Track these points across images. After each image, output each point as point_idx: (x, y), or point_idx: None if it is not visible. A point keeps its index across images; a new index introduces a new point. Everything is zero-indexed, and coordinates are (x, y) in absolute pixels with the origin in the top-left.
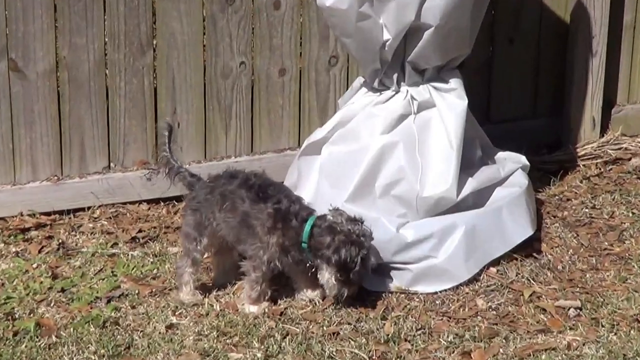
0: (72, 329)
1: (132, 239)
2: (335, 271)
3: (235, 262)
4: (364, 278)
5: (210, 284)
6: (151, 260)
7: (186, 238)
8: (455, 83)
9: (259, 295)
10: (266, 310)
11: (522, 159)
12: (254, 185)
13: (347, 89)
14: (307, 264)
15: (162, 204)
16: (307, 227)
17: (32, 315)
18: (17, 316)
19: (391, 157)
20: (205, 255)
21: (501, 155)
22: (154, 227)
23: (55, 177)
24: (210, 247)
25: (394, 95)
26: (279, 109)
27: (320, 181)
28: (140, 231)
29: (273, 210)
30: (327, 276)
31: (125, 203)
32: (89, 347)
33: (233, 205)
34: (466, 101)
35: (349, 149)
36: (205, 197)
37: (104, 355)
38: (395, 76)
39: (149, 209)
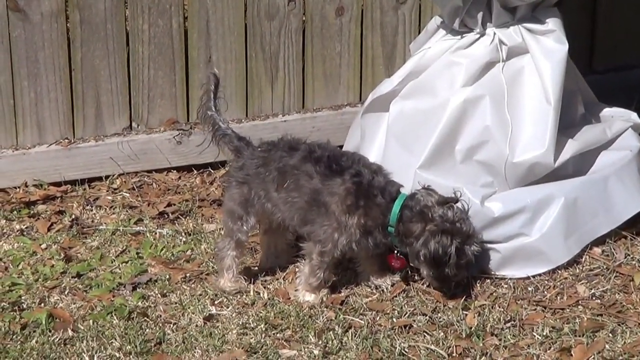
0: (91, 321)
1: (160, 214)
2: (427, 268)
3: (289, 243)
4: (470, 267)
5: (256, 268)
6: (183, 239)
7: (229, 216)
8: (554, 24)
9: (319, 282)
10: (324, 299)
11: (634, 117)
12: (322, 157)
13: (419, 32)
14: (395, 252)
15: (195, 172)
16: (396, 207)
17: (42, 305)
18: (25, 306)
19: (474, 115)
20: (251, 235)
21: (608, 112)
22: (186, 200)
23: (66, 140)
24: (258, 226)
25: (478, 39)
26: (336, 57)
27: (388, 144)
28: (169, 205)
29: (353, 184)
30: (423, 272)
31: (150, 171)
32: (112, 342)
33: (297, 183)
34: (567, 46)
35: (423, 105)
36: (257, 169)
37: (130, 352)
38: (479, 15)
39: (180, 178)
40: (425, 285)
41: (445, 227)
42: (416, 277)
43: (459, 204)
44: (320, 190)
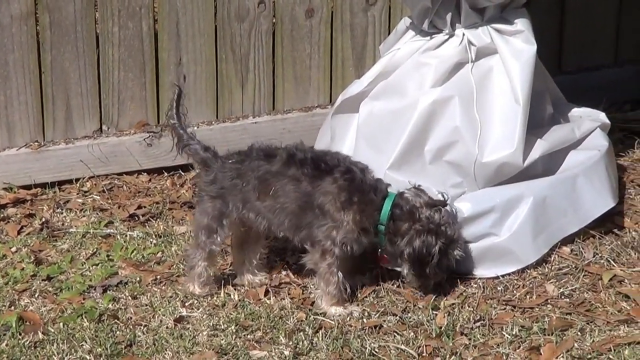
0: (61, 324)
1: (131, 217)
2: (409, 267)
3: (262, 258)
4: (449, 270)
5: (226, 270)
6: (154, 241)
7: (203, 230)
8: (522, 24)
9: (339, 290)
10: (355, 314)
11: (602, 117)
12: (305, 159)
13: (389, 33)
14: (379, 250)
15: (165, 174)
16: (387, 205)
17: (13, 307)
18: None
19: (444, 116)
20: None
21: (576, 112)
22: (157, 203)
23: (36, 143)
24: (232, 236)
25: (447, 40)
26: (306, 59)
27: (358, 145)
28: (139, 207)
29: (345, 181)
30: (404, 271)
31: (121, 174)
32: (82, 345)
33: (284, 189)
34: (535, 46)
35: (392, 106)
36: (232, 182)
37: (100, 355)
38: (448, 16)
39: (150, 180)
40: (395, 286)
41: (431, 227)
42: (386, 278)
43: (447, 207)
44: (312, 192)
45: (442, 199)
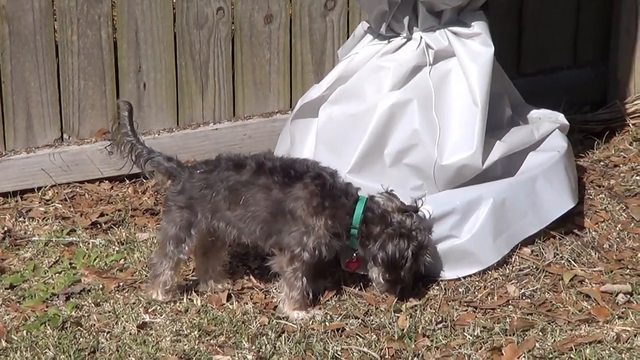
0: (25, 332)
1: (93, 225)
2: (383, 271)
3: (224, 265)
4: (418, 275)
5: (189, 274)
6: (116, 248)
7: (170, 240)
8: (479, 27)
9: (303, 295)
10: (317, 318)
11: (561, 118)
12: (274, 167)
13: (347, 38)
14: (354, 254)
15: (127, 182)
16: (359, 209)
17: None
18: None
19: (403, 119)
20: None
21: (535, 113)
22: (119, 210)
23: None
24: (197, 245)
25: (405, 43)
26: (265, 64)
27: (317, 149)
28: (102, 215)
29: (316, 186)
30: (374, 274)
31: (83, 182)
32: (45, 352)
33: (255, 198)
34: (492, 48)
35: (351, 110)
36: (201, 192)
37: None
38: (406, 20)
39: (112, 188)
40: (357, 289)
41: (403, 232)
42: (348, 281)
43: (419, 213)
44: (283, 199)
45: (414, 205)
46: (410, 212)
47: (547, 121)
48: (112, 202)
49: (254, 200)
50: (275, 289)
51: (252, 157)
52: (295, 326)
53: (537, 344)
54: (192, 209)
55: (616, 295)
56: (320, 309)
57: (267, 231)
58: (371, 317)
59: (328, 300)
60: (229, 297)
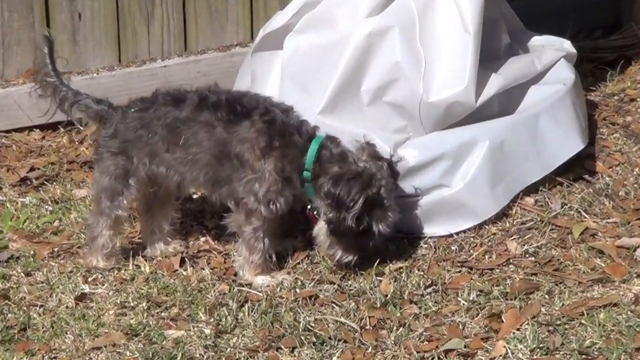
0: None
1: (22, 181)
2: (327, 208)
3: (174, 223)
4: (364, 249)
5: (135, 237)
6: (50, 208)
7: (105, 193)
8: None
9: (265, 259)
10: (285, 283)
11: (567, 45)
12: (219, 102)
13: None
14: (307, 207)
15: (61, 130)
16: (314, 146)
17: None
18: None
19: (382, 50)
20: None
21: (537, 40)
22: (52, 163)
23: None
24: (138, 200)
25: None
26: None
27: (283, 86)
28: (32, 169)
29: (264, 123)
30: (320, 224)
31: (9, 131)
32: None
33: (196, 137)
34: None
35: (322, 40)
36: (137, 133)
37: None
38: None
39: (44, 137)
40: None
41: (360, 172)
42: None
43: (390, 166)
44: (227, 140)
45: (387, 157)
46: (383, 161)
47: (551, 49)
48: (44, 154)
49: (196, 140)
50: (236, 251)
51: (194, 90)
52: (260, 294)
53: (542, 309)
54: (128, 154)
55: (634, 251)
56: (288, 273)
57: (212, 178)
58: (349, 282)
59: (298, 263)
60: (182, 263)
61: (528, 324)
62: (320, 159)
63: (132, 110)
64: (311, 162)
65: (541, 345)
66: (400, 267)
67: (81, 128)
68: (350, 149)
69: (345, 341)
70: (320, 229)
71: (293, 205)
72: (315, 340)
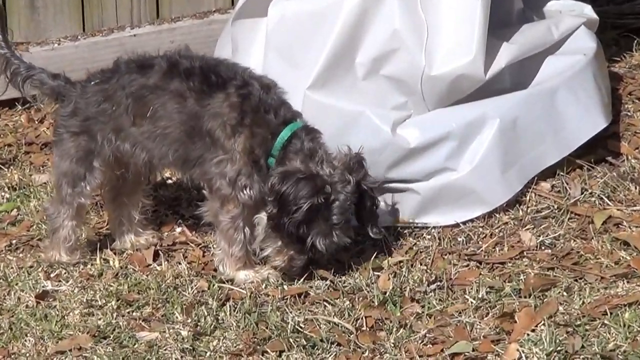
0: None
1: None
2: (270, 202)
3: (145, 211)
4: (314, 256)
5: (102, 228)
6: (7, 195)
7: (65, 179)
8: None
9: (246, 251)
10: (272, 279)
11: (587, 11)
12: (192, 69)
13: None
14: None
15: (19, 107)
16: (286, 132)
17: None
18: None
19: (378, 16)
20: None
21: (554, 5)
22: (9, 145)
23: None
24: (104, 185)
25: None
26: None
27: (268, 58)
28: None
29: (239, 97)
30: (262, 213)
31: None
32: None
33: (165, 108)
34: None
35: (310, 6)
36: (99, 107)
37: None
38: None
39: None
40: None
41: (322, 178)
42: None
43: (364, 183)
44: (199, 113)
45: (368, 176)
46: (353, 176)
47: (570, 15)
48: None
49: (165, 112)
50: (215, 243)
51: (162, 55)
52: (244, 292)
53: (560, 308)
54: (90, 132)
55: None
56: (275, 268)
57: (183, 156)
58: (343, 278)
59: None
60: (155, 256)
61: (544, 324)
62: (287, 147)
63: (92, 83)
64: (278, 148)
65: (559, 348)
66: (401, 261)
67: (41, 106)
68: (329, 150)
69: (338, 344)
70: (261, 219)
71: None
72: (305, 343)
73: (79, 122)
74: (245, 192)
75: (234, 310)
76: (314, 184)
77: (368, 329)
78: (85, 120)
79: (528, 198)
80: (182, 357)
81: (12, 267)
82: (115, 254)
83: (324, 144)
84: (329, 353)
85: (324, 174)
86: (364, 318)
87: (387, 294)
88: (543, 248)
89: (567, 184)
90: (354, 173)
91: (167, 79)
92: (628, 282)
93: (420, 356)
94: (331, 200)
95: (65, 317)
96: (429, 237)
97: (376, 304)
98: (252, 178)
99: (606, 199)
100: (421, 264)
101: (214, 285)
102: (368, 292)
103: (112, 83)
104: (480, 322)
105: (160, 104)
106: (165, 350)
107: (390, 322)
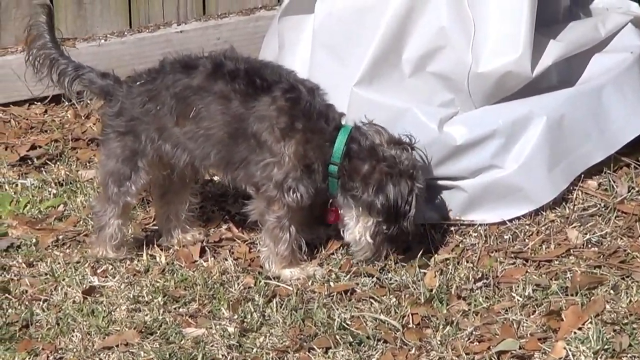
0: None
1: (22, 160)
2: (379, 223)
3: (192, 209)
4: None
5: (149, 224)
6: (54, 191)
7: (112, 178)
8: None
9: (292, 249)
10: (318, 276)
11: (634, 8)
12: (236, 71)
13: None
14: (329, 202)
15: (66, 103)
16: (342, 138)
17: None
18: None
19: (425, 13)
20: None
21: (601, 2)
22: (55, 141)
23: None
24: (151, 185)
25: None
26: None
27: (314, 55)
28: (33, 147)
29: (287, 101)
30: (359, 229)
31: (7, 104)
32: None
33: (208, 109)
34: None
35: (358, 3)
36: (144, 107)
37: None
38: None
39: (46, 112)
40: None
41: (402, 169)
42: None
43: (413, 153)
44: (244, 115)
45: (404, 139)
46: (404, 145)
47: (617, 12)
48: (46, 131)
49: (208, 113)
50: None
51: (207, 56)
52: (290, 288)
53: (607, 306)
54: (135, 132)
55: None
56: (321, 265)
57: (226, 157)
58: (389, 275)
59: (332, 254)
60: (202, 252)
61: (591, 322)
62: (349, 152)
63: (138, 83)
64: (339, 155)
65: (606, 346)
66: (447, 259)
67: (88, 102)
68: (376, 138)
69: (385, 341)
70: (361, 238)
71: (314, 198)
72: (351, 340)
73: (124, 122)
74: (291, 194)
75: (281, 307)
76: (406, 176)
77: (414, 326)
78: (131, 120)
79: (575, 196)
80: (228, 353)
81: (59, 263)
82: (161, 250)
83: (370, 134)
84: (375, 350)
85: (399, 162)
86: (410, 315)
87: (433, 292)
88: (590, 246)
89: (614, 181)
90: (400, 142)
91: (212, 80)
92: None
93: (466, 354)
94: (420, 179)
95: (112, 313)
96: (475, 234)
97: (422, 301)
98: (299, 181)
99: None
100: (467, 262)
101: (260, 281)
102: (414, 289)
103: (157, 83)
104: (526, 320)
105: (203, 105)
106: (211, 346)
107: (437, 319)
